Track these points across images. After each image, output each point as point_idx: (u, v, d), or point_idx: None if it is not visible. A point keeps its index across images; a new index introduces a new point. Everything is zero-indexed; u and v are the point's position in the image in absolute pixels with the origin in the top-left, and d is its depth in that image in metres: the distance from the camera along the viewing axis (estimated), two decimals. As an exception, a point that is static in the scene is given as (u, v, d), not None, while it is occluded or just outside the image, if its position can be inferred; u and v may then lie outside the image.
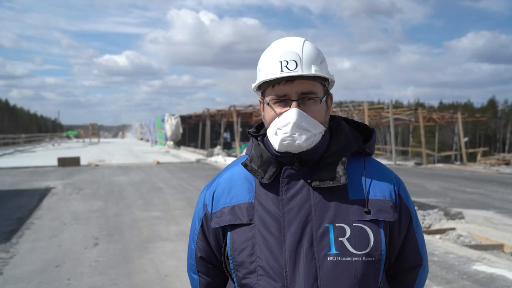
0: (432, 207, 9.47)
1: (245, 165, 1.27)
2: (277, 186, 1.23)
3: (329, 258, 1.15)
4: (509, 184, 14.78)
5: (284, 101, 1.20)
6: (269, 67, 1.21)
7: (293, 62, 1.18)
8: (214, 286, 1.39)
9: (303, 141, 1.17)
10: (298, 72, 1.17)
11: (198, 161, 23.53)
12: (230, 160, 22.66)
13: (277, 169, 1.24)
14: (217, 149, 28.63)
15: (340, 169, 1.21)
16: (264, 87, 1.24)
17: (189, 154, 28.91)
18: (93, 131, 59.47)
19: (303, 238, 1.17)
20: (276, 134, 1.20)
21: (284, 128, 1.17)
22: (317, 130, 1.20)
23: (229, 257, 1.23)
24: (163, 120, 42.75)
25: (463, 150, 28.27)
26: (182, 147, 36.78)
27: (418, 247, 1.31)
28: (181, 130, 40.35)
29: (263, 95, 1.27)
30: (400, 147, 40.59)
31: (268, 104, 1.23)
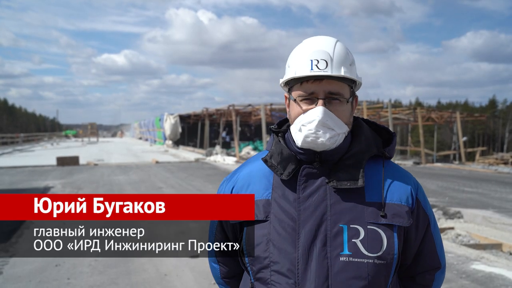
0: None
1: (265, 160, 1.29)
2: (295, 184, 1.24)
3: (341, 258, 1.17)
4: (508, 183, 14.81)
5: (311, 99, 1.21)
6: (299, 65, 1.23)
7: (323, 61, 1.20)
8: (233, 274, 1.43)
9: (326, 139, 1.19)
10: (328, 72, 1.19)
11: (197, 160, 23.52)
12: (229, 159, 22.65)
13: (296, 167, 1.25)
14: (217, 148, 28.60)
15: (358, 171, 1.22)
16: (292, 84, 1.26)
17: (188, 154, 28.91)
18: (92, 130, 59.46)
19: (317, 237, 1.19)
20: (300, 130, 1.22)
21: (309, 125, 1.20)
22: (341, 130, 1.22)
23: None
24: (161, 120, 42.74)
25: (462, 150, 28.30)
26: (181, 147, 36.78)
27: (436, 250, 1.31)
28: (180, 130, 40.33)
29: (290, 91, 1.28)
30: (399, 146, 40.62)
31: (294, 100, 1.24)
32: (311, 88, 1.21)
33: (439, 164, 25.06)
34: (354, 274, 1.16)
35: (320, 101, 1.20)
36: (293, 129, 1.25)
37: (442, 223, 8.43)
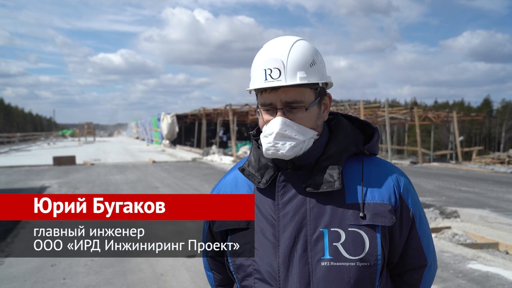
0: (427, 206, 9.51)
1: (242, 170, 1.27)
2: (274, 190, 1.22)
3: (322, 263, 1.15)
4: (504, 182, 14.87)
5: (271, 109, 1.19)
6: (255, 75, 1.21)
7: (276, 70, 1.16)
8: (227, 282, 1.43)
9: (286, 151, 1.16)
10: (281, 81, 1.16)
11: (194, 160, 23.51)
12: (226, 159, 22.67)
13: (275, 173, 1.23)
14: (214, 148, 28.61)
15: (335, 173, 1.18)
16: (256, 92, 1.24)
17: (185, 153, 28.87)
18: (89, 130, 59.31)
19: (297, 242, 1.17)
20: (263, 141, 1.20)
21: (269, 137, 1.17)
22: (306, 137, 1.19)
23: (229, 260, 1.26)
24: (159, 119, 42.68)
25: (459, 149, 28.38)
26: (178, 146, 36.74)
27: (422, 247, 1.28)
28: (177, 129, 40.28)
29: (257, 99, 1.27)
30: (395, 146, 40.72)
31: (259, 109, 1.23)
32: (269, 98, 1.18)
33: (436, 164, 25.13)
34: (336, 279, 1.14)
35: (279, 112, 1.17)
36: (261, 138, 1.22)
37: (438, 222, 8.46)
